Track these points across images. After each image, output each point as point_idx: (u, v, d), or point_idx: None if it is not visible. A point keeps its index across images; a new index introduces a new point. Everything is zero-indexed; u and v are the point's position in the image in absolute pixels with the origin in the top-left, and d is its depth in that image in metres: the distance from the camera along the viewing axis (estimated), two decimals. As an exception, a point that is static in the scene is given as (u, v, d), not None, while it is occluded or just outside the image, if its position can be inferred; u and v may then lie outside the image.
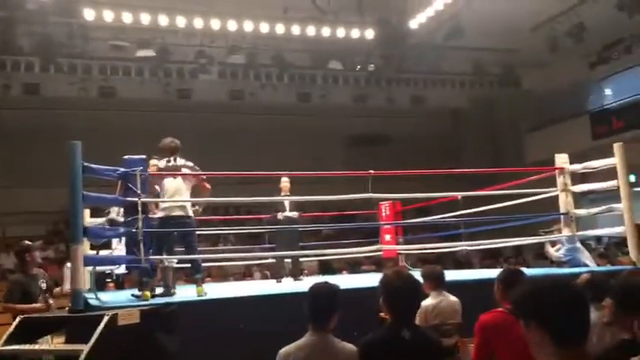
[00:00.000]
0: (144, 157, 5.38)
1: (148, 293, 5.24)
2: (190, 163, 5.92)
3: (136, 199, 5.08)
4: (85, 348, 3.54)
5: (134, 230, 5.06)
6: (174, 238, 5.78)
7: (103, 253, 5.82)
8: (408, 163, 8.65)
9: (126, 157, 5.28)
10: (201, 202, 6.36)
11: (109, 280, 8.06)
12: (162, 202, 5.78)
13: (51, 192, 13.08)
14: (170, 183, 5.74)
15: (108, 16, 11.99)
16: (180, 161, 5.86)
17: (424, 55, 14.71)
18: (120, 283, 8.37)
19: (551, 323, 1.61)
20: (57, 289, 6.36)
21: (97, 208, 6.95)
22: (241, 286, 8.77)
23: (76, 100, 13.93)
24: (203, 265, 6.22)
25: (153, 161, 5.77)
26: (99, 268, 6.04)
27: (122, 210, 5.73)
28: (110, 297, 5.68)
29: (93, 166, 4.66)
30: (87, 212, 6.09)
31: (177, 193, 5.71)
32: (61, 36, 12.47)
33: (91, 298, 4.66)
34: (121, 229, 5.31)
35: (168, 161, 5.81)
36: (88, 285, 5.06)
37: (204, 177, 6.07)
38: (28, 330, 4.16)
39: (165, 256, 5.59)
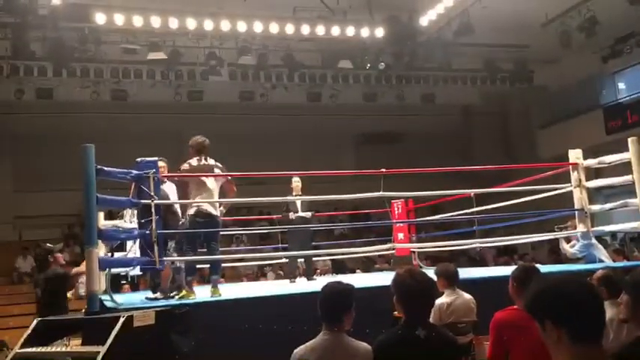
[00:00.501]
0: (156, 159, 5.41)
1: (193, 293, 5.29)
2: (219, 164, 5.95)
3: (149, 201, 5.10)
4: (102, 350, 3.57)
5: (147, 232, 5.08)
6: (201, 234, 5.81)
7: (118, 255, 5.86)
8: (419, 161, 8.62)
9: (139, 159, 5.30)
10: (219, 202, 6.36)
11: (124, 282, 8.13)
12: (175, 203, 5.81)
13: (66, 195, 13.24)
14: (206, 180, 5.77)
15: (119, 19, 12.06)
16: (210, 161, 5.88)
17: (434, 52, 14.63)
18: (135, 285, 8.44)
19: (567, 322, 1.60)
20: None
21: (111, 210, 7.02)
22: (255, 286, 8.80)
23: (88, 103, 14.04)
24: (217, 266, 6.23)
25: (161, 163, 5.78)
26: (114, 270, 6.09)
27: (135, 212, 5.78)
28: (125, 299, 5.72)
29: (106, 168, 4.68)
30: (101, 215, 6.13)
31: (210, 190, 5.74)
32: (73, 40, 12.55)
33: (107, 300, 4.70)
34: (135, 232, 5.35)
35: (199, 160, 5.83)
36: (103, 287, 5.10)
37: (233, 180, 6.08)
38: (45, 332, 4.21)
39: (179, 257, 5.60)
